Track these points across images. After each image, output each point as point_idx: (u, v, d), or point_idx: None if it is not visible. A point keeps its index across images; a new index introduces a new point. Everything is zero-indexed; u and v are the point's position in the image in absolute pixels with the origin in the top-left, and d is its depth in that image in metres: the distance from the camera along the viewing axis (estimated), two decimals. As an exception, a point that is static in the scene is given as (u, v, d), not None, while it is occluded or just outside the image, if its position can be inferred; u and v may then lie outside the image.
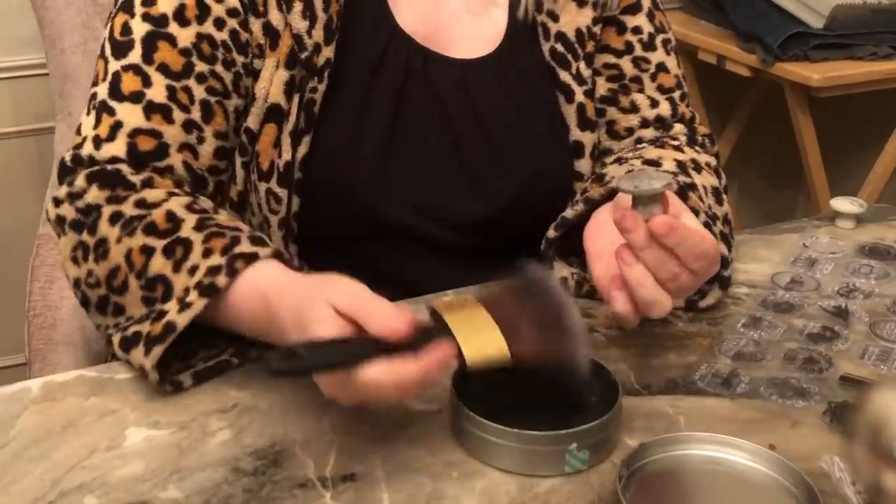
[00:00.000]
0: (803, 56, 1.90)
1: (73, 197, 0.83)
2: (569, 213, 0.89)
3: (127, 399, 0.76)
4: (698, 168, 0.93)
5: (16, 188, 1.78)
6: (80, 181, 0.83)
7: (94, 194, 0.83)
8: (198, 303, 0.75)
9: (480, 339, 0.67)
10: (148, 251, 0.78)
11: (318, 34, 0.88)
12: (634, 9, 1.00)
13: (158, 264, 0.77)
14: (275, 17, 0.88)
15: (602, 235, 0.78)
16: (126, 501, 0.66)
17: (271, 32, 0.88)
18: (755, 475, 0.67)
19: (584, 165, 0.98)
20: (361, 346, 0.65)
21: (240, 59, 0.88)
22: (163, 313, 0.76)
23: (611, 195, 0.85)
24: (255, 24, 0.88)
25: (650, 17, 1.01)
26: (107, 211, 0.81)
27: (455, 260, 0.95)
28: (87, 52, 1.28)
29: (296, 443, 0.67)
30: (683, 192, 0.84)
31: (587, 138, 0.98)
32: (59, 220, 0.84)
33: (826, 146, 2.05)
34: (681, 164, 0.92)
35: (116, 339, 0.78)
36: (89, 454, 0.70)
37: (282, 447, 0.71)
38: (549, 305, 0.68)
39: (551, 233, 0.91)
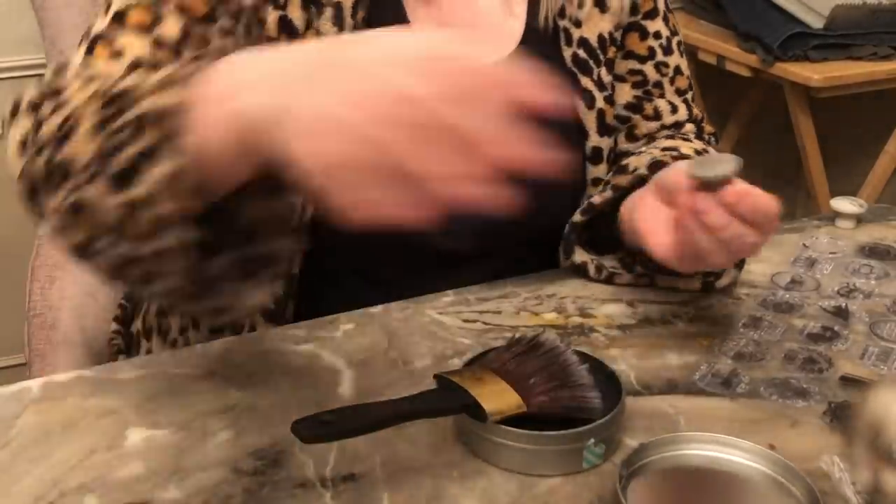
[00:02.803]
0: (803, 56, 1.90)
1: (40, 86, 0.71)
2: (597, 199, 0.92)
3: (127, 399, 0.76)
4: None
5: (16, 188, 1.78)
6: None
7: (72, 75, 0.71)
8: (187, 70, 0.63)
9: (495, 394, 0.69)
10: (112, 84, 0.66)
11: None
12: (653, 13, 1.02)
13: (125, 83, 0.65)
14: (296, 14, 0.85)
15: (653, 215, 0.81)
16: (126, 501, 0.66)
17: (289, 29, 0.85)
18: (755, 475, 0.67)
19: (601, 171, 0.98)
20: (386, 409, 0.68)
21: (255, 35, 0.83)
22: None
23: (638, 183, 0.89)
24: (272, 15, 0.84)
25: (665, 20, 1.03)
26: (79, 79, 0.69)
27: (461, 264, 0.95)
28: (87, 52, 1.28)
29: (296, 443, 0.67)
30: None
31: (605, 143, 0.98)
32: (13, 112, 0.71)
33: (826, 146, 2.05)
34: (697, 153, 0.95)
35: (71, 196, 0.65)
36: (89, 454, 0.70)
37: (282, 447, 0.71)
38: (553, 363, 0.71)
39: (577, 217, 0.93)
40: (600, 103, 0.97)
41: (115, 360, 0.97)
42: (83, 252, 0.67)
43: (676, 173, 0.81)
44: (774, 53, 1.89)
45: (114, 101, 0.64)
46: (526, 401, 0.69)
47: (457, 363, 0.80)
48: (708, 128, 1.05)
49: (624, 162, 0.95)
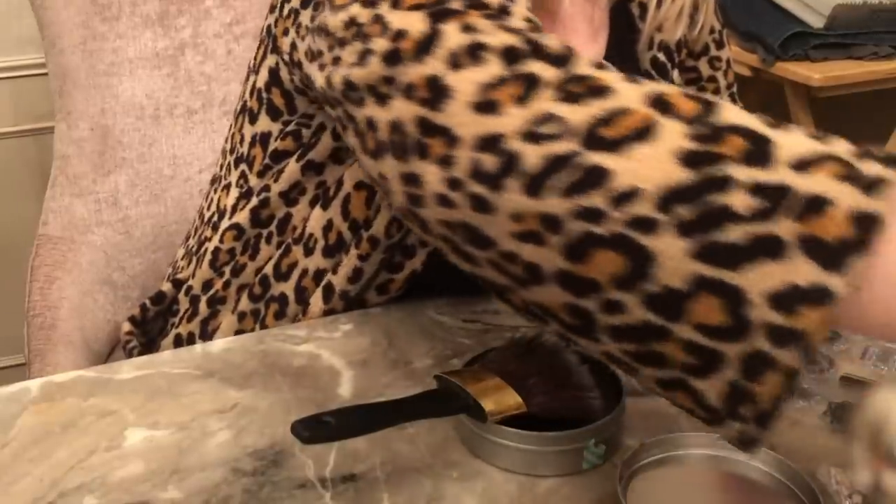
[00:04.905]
0: (804, 56, 1.90)
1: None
2: None
3: (126, 399, 0.76)
4: None
5: (15, 188, 1.78)
6: None
7: (554, 41, 0.56)
8: (893, 179, 0.45)
9: (495, 394, 0.69)
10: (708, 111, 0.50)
11: None
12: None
13: (744, 118, 0.50)
14: None
15: None
16: (126, 502, 0.66)
17: None
18: (755, 475, 0.67)
19: None
20: (386, 409, 0.68)
21: None
22: (812, 201, 0.45)
23: None
24: None
25: (716, 13, 1.03)
26: (584, 57, 0.55)
27: None
28: (87, 52, 1.28)
29: (295, 443, 0.67)
30: None
31: None
32: (472, 48, 0.55)
33: (826, 146, 2.05)
34: None
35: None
36: (89, 454, 0.70)
37: (281, 447, 0.70)
38: (554, 363, 0.71)
39: None
40: None
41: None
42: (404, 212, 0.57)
43: None
44: (775, 53, 1.89)
45: (720, 135, 0.48)
46: (526, 401, 0.68)
47: (457, 363, 0.80)
48: None
49: None
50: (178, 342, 0.99)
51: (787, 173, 0.46)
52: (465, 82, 0.53)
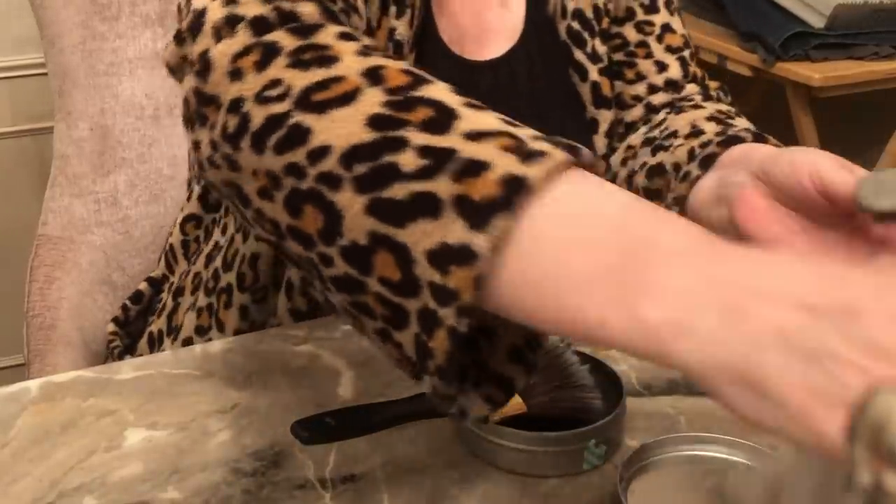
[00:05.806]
0: (804, 56, 1.90)
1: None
2: None
3: (126, 400, 0.76)
4: (731, 116, 0.91)
5: (14, 188, 1.78)
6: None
7: (308, 8, 0.59)
8: (555, 155, 0.47)
9: None
10: (412, 80, 0.53)
11: (408, 33, 0.85)
12: None
13: (435, 92, 0.52)
14: (374, 12, 0.84)
15: (775, 222, 0.66)
16: (125, 502, 0.65)
17: (367, 28, 0.83)
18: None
19: (597, 142, 0.98)
20: (386, 410, 0.68)
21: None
22: (472, 164, 0.47)
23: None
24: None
25: None
26: (333, 28, 0.58)
27: None
28: (86, 52, 1.28)
29: (295, 443, 0.67)
30: (761, 138, 0.81)
31: (603, 116, 0.98)
32: (229, 21, 0.58)
33: (827, 146, 2.04)
34: (717, 119, 0.89)
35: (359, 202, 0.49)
36: (88, 455, 0.70)
37: (281, 448, 0.70)
38: (554, 363, 0.71)
39: None
40: (594, 76, 0.96)
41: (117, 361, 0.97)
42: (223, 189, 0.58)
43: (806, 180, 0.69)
44: (775, 53, 1.89)
45: (412, 105, 0.51)
46: (526, 401, 0.68)
47: (457, 363, 0.80)
48: (712, 84, 1.02)
49: (654, 160, 0.90)
50: (151, 340, 0.99)
51: (459, 140, 0.48)
52: (222, 54, 0.57)
